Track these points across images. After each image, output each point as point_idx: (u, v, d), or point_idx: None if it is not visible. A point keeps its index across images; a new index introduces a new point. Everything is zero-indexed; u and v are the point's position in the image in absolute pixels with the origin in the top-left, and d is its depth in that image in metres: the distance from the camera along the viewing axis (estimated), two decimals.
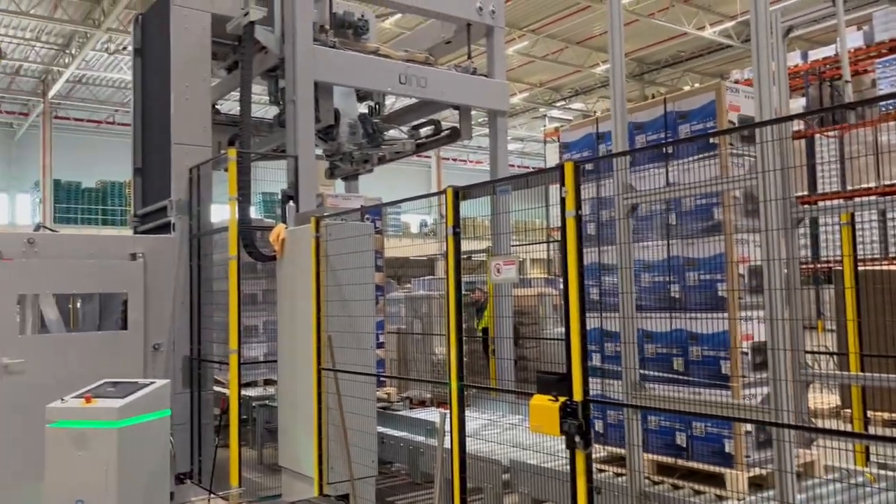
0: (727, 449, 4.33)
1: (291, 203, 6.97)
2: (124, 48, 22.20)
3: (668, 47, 25.73)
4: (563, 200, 3.93)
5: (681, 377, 4.55)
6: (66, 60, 23.92)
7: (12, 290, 6.27)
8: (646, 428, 4.58)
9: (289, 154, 7.23)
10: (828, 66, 15.29)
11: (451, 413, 4.69)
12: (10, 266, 6.25)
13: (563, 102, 31.38)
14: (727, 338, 4.35)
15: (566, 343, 3.94)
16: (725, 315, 4.34)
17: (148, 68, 8.33)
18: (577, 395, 3.86)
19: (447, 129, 9.46)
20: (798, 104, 14.92)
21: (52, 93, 26.33)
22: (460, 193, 4.76)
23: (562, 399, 3.88)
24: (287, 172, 7.20)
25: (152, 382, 5.47)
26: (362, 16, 8.46)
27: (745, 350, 4.34)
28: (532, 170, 29.48)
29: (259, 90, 9.77)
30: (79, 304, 7.57)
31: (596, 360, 4.95)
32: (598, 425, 5.02)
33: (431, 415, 7.15)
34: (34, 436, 5.33)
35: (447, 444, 4.78)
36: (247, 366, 7.15)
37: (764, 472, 4.33)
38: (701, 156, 4.44)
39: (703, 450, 4.45)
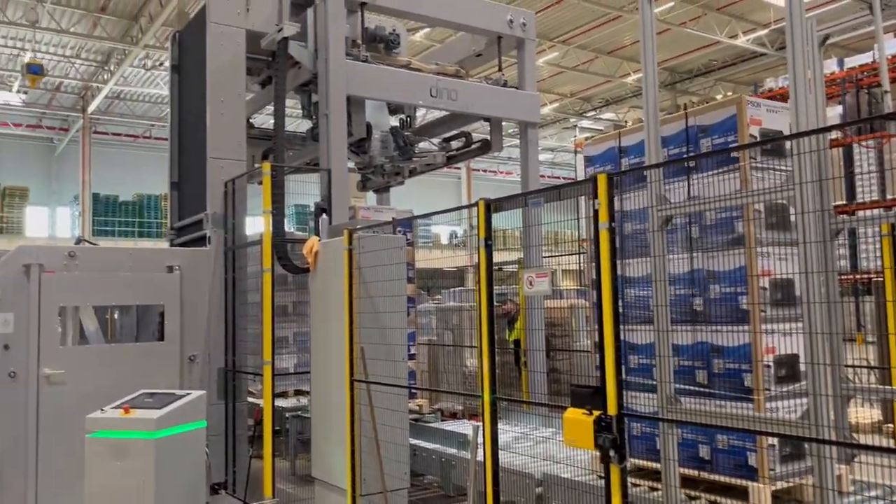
0: (751, 462, 4.29)
1: (324, 216, 7.03)
2: (161, 64, 22.67)
3: (700, 56, 25.50)
4: (595, 213, 3.91)
5: (704, 390, 4.51)
6: (105, 77, 24.52)
7: (54, 302, 6.41)
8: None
9: (322, 167, 7.30)
10: (865, 73, 15.00)
11: (483, 425, 4.68)
12: (52, 278, 6.40)
13: (593, 113, 31.23)
14: (750, 351, 4.32)
15: (600, 356, 3.90)
16: (748, 328, 4.31)
17: (184, 84, 8.50)
18: (612, 409, 3.82)
19: (478, 141, 9.45)
20: (835, 112, 14.66)
21: (91, 108, 27.03)
22: (492, 206, 4.76)
23: (596, 413, 3.85)
24: (320, 185, 7.27)
25: (188, 393, 5.55)
26: (394, 30, 8.52)
27: (768, 363, 4.29)
28: (563, 181, 29.37)
29: (292, 104, 9.91)
30: (116, 316, 7.71)
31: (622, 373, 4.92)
32: None
33: (463, 427, 7.12)
34: (75, 445, 5.43)
35: (479, 457, 4.77)
36: (278, 376, 7.21)
37: (788, 485, 4.28)
38: (724, 169, 4.41)
39: (726, 462, 4.41)
